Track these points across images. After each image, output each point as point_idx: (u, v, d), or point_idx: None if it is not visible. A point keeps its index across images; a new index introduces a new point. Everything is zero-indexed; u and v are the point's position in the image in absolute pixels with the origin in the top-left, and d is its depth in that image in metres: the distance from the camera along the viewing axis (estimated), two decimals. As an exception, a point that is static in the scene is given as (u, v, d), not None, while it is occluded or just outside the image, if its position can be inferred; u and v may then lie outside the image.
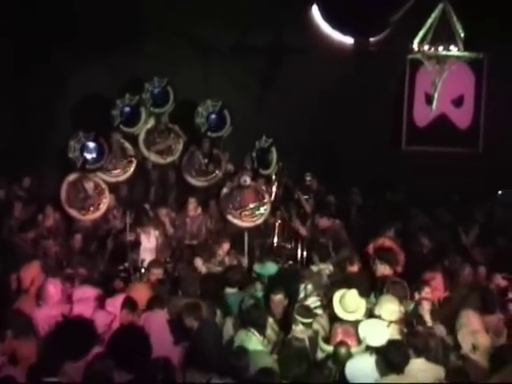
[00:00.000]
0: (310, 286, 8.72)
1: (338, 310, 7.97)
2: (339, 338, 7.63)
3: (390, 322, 7.65)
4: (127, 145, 13.53)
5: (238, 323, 7.95)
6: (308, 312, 7.85)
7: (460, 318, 8.00)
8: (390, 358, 6.88)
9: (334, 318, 8.06)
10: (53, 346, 6.74)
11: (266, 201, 12.98)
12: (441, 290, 9.25)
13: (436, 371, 7.04)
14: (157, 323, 7.84)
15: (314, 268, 9.73)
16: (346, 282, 8.74)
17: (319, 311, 8.26)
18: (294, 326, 7.73)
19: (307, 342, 7.60)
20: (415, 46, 11.70)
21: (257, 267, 9.94)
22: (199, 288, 8.82)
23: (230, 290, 8.89)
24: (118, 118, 13.38)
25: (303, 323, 7.66)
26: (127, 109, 13.51)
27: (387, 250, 10.13)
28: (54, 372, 6.26)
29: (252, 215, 12.96)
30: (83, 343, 6.68)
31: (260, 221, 12.96)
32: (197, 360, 6.94)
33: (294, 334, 7.68)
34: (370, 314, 7.97)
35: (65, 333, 6.91)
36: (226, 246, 10.85)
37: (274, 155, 13.34)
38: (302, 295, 8.63)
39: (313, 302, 8.44)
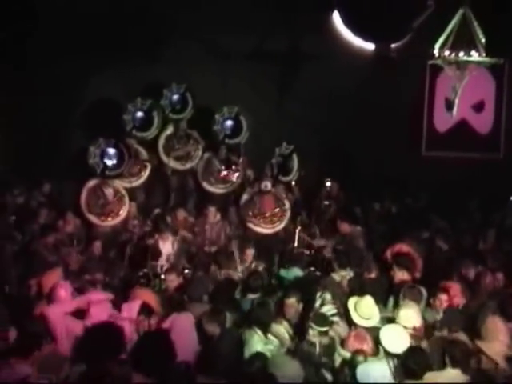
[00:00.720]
0: (327, 294, 8.68)
1: (354, 316, 7.98)
2: (351, 342, 7.60)
3: (405, 327, 7.61)
4: (141, 150, 13.56)
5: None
6: (323, 320, 7.79)
7: (486, 324, 7.91)
8: (410, 364, 6.82)
9: (350, 324, 8.06)
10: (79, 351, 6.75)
11: (285, 207, 12.98)
12: (459, 296, 9.18)
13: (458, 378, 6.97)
14: (184, 325, 7.85)
15: (335, 275, 9.71)
16: (362, 288, 8.74)
17: (335, 319, 8.21)
18: (309, 331, 7.72)
19: (318, 347, 7.55)
20: (436, 51, 11.64)
21: (283, 272, 9.96)
22: (214, 293, 8.85)
23: (251, 296, 8.87)
24: (130, 122, 13.40)
25: (318, 331, 7.64)
26: (139, 113, 13.53)
27: (405, 255, 10.07)
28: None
29: (272, 222, 12.97)
30: (112, 349, 6.69)
31: (280, 227, 12.96)
32: (216, 367, 6.93)
33: (308, 338, 7.66)
34: (389, 320, 7.94)
35: (93, 338, 6.95)
36: (249, 253, 10.85)
37: (294, 162, 13.31)
38: (318, 303, 8.59)
39: (329, 309, 8.40)
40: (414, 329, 7.65)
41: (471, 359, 7.23)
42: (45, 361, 6.78)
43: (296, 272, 9.85)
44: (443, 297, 8.65)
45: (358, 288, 8.81)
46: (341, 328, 8.05)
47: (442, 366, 7.00)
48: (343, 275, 9.67)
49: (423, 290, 8.70)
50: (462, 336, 7.83)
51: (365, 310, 7.97)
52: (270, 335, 7.75)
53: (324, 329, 7.66)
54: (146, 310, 8.03)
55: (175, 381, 6.36)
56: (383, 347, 7.31)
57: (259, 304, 8.26)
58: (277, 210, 12.98)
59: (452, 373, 6.92)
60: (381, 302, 8.36)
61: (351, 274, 9.81)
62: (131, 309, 8.05)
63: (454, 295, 9.00)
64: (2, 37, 12.06)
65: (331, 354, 7.60)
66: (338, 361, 7.57)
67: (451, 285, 9.23)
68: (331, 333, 7.82)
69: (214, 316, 7.89)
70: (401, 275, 9.47)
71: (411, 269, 9.73)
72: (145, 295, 8.61)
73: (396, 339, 7.31)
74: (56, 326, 7.63)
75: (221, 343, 7.50)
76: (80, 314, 7.89)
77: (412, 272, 9.73)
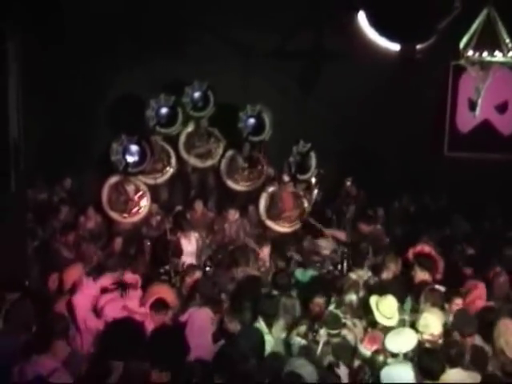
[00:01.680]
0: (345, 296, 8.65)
1: (377, 315, 7.99)
2: (365, 343, 7.63)
3: (423, 333, 7.60)
4: (167, 146, 13.60)
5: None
6: (335, 322, 7.77)
7: (498, 326, 7.88)
8: (424, 365, 6.85)
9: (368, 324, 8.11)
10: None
11: (304, 206, 12.98)
12: (482, 299, 9.13)
13: (473, 379, 6.97)
14: (201, 320, 7.90)
15: (353, 275, 9.68)
16: (382, 288, 8.72)
17: (349, 322, 8.17)
18: (320, 331, 7.71)
19: (320, 346, 7.52)
20: (459, 52, 11.57)
21: (298, 273, 9.94)
22: (236, 291, 8.86)
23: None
24: (153, 118, 13.43)
25: (328, 333, 7.64)
26: (163, 110, 13.57)
27: (426, 256, 10.05)
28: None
29: (290, 220, 12.97)
30: (134, 345, 6.71)
31: (298, 226, 12.95)
32: (234, 365, 6.94)
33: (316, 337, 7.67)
34: (412, 324, 7.93)
35: (115, 333, 6.98)
36: (265, 250, 10.85)
37: (313, 160, 13.29)
38: (333, 305, 8.57)
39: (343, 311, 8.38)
40: (432, 335, 7.63)
41: (484, 361, 7.23)
42: (68, 356, 6.82)
43: (311, 272, 9.83)
44: (458, 301, 8.61)
45: (378, 288, 8.77)
46: (357, 329, 8.03)
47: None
48: (361, 275, 9.69)
49: (444, 293, 8.66)
50: (477, 339, 7.80)
51: (387, 309, 7.99)
52: (294, 335, 7.76)
53: (334, 331, 7.64)
54: (159, 304, 8.08)
55: (189, 379, 6.36)
56: (387, 348, 7.31)
57: (267, 296, 8.34)
58: (296, 208, 13.00)
59: (453, 373, 6.93)
60: (399, 302, 8.33)
61: (369, 273, 9.82)
62: (145, 304, 8.14)
63: (479, 297, 8.98)
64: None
65: (344, 354, 7.56)
66: (355, 360, 7.56)
67: (476, 284, 9.22)
68: (349, 336, 7.80)
69: (236, 313, 7.93)
70: (422, 276, 9.47)
71: (432, 270, 9.73)
72: (161, 290, 8.66)
73: (402, 341, 7.33)
74: (80, 316, 7.73)
75: (241, 341, 7.52)
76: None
77: (433, 273, 9.72)
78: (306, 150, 13.19)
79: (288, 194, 13.01)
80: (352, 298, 8.55)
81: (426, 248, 10.41)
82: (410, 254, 10.36)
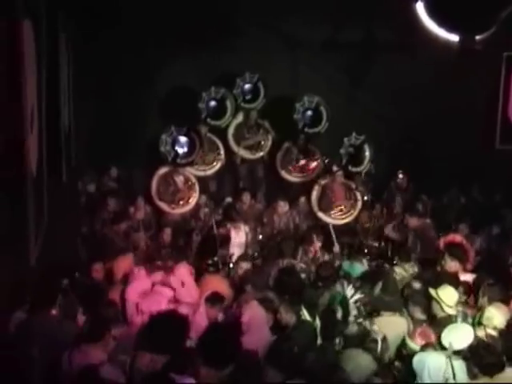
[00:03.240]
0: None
1: (442, 304, 7.91)
2: (416, 338, 7.58)
3: (487, 326, 7.50)
4: (214, 138, 13.62)
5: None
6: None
7: None
8: (481, 361, 6.75)
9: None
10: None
11: (356, 199, 12.91)
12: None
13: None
14: (260, 319, 7.90)
15: (398, 269, 9.61)
16: (438, 280, 8.58)
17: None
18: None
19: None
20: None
21: (345, 265, 9.87)
22: (276, 282, 8.83)
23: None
24: (204, 111, 13.48)
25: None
26: (213, 102, 13.62)
27: (457, 245, 9.93)
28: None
29: (342, 213, 12.91)
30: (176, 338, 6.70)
31: (350, 219, 12.89)
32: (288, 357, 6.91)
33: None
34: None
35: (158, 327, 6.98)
36: (317, 244, 10.82)
37: (366, 153, 13.22)
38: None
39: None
40: (495, 329, 7.53)
41: None
42: (119, 344, 6.84)
43: (358, 266, 9.73)
44: None
45: (434, 281, 8.63)
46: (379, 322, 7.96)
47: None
48: (407, 269, 9.61)
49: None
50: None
51: (449, 297, 7.94)
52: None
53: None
54: (215, 298, 8.07)
55: (244, 374, 6.33)
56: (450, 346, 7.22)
57: (311, 286, 8.44)
58: (347, 200, 12.94)
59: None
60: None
61: (415, 268, 9.72)
62: (201, 297, 8.13)
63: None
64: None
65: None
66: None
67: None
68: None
69: (291, 306, 7.93)
70: (452, 265, 9.41)
71: (463, 260, 9.65)
72: (215, 282, 8.66)
73: (460, 337, 7.20)
74: (132, 306, 7.78)
75: (296, 333, 7.52)
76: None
77: (464, 263, 9.64)
78: (360, 143, 13.12)
79: (339, 185, 12.98)
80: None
81: (457, 237, 10.31)
82: (441, 243, 10.24)
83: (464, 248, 9.97)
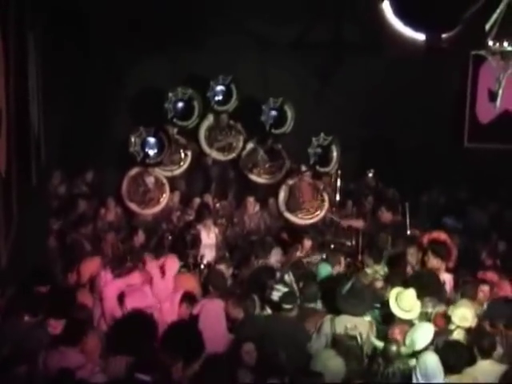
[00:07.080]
0: None
1: (394, 307, 7.95)
2: (395, 336, 7.55)
3: (458, 326, 7.57)
4: (181, 139, 13.59)
5: None
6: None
7: None
8: (447, 358, 6.82)
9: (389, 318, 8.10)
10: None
11: (324, 198, 12.97)
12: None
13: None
14: (214, 311, 7.98)
15: (368, 270, 9.65)
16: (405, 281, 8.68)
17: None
18: None
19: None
20: (479, 41, 11.44)
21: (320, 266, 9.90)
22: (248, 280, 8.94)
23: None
24: (170, 111, 13.44)
25: None
26: (180, 103, 13.58)
27: (441, 243, 9.99)
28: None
29: (310, 213, 12.96)
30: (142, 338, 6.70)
31: (318, 218, 12.94)
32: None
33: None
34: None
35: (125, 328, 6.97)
36: (307, 243, 10.85)
37: (334, 153, 13.26)
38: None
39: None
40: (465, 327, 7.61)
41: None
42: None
43: (324, 267, 9.72)
44: (485, 288, 8.59)
45: (401, 283, 8.68)
46: (363, 326, 7.92)
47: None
48: (377, 270, 9.65)
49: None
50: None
51: (406, 302, 7.93)
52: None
53: None
54: (188, 298, 8.17)
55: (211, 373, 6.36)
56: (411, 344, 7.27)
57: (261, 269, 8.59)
58: (315, 200, 12.99)
59: (485, 364, 6.91)
60: (427, 295, 8.28)
61: (385, 269, 9.77)
62: (174, 298, 8.14)
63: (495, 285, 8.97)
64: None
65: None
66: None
67: (490, 275, 9.20)
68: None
69: (240, 301, 7.98)
70: (435, 263, 9.49)
71: (446, 258, 9.73)
72: (188, 282, 8.67)
73: (421, 335, 7.29)
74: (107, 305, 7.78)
75: (243, 329, 7.65)
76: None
77: (446, 261, 9.72)
78: (328, 143, 13.17)
79: (306, 185, 13.02)
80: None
81: (442, 235, 10.36)
82: (425, 239, 10.30)
83: (448, 246, 10.04)
